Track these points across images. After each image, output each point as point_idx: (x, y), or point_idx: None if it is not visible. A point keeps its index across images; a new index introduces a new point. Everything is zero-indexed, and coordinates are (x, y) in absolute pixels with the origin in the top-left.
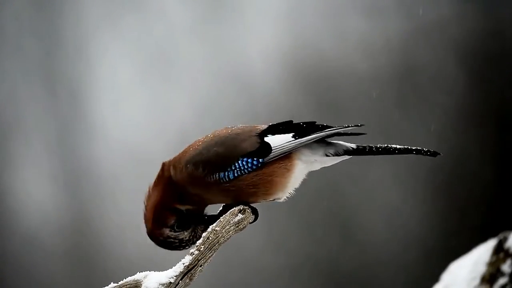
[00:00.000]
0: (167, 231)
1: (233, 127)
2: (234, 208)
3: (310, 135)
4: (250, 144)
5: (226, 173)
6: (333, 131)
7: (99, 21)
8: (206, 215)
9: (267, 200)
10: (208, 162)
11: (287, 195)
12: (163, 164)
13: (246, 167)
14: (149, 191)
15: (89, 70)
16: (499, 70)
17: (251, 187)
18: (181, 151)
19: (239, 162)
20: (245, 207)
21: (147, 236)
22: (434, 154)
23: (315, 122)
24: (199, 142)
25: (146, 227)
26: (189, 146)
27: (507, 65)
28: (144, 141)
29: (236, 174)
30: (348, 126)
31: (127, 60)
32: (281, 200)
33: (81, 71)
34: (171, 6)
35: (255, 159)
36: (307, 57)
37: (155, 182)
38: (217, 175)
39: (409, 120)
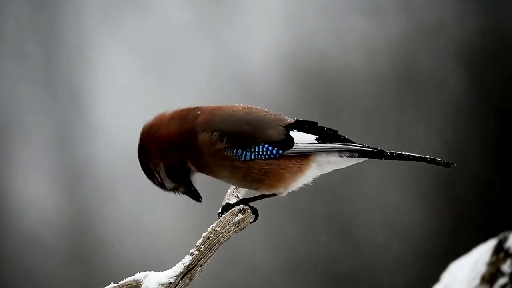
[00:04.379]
0: (161, 168)
1: (267, 111)
2: (234, 208)
3: (332, 144)
4: (277, 133)
5: (244, 152)
6: (356, 147)
7: (99, 21)
8: (193, 187)
9: (269, 191)
10: (233, 136)
11: (286, 193)
12: (197, 109)
13: (264, 153)
14: (169, 117)
15: (89, 70)
16: (499, 69)
17: (262, 173)
18: (216, 107)
19: (260, 146)
20: (245, 207)
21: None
22: (447, 164)
23: (338, 131)
24: (232, 108)
25: (147, 146)
26: (221, 106)
27: (507, 65)
28: None
29: (253, 157)
30: (368, 147)
31: (127, 60)
32: (281, 195)
33: (81, 71)
34: (171, 6)
35: (275, 148)
36: (307, 56)
37: (180, 116)
38: (234, 151)
39: (408, 120)
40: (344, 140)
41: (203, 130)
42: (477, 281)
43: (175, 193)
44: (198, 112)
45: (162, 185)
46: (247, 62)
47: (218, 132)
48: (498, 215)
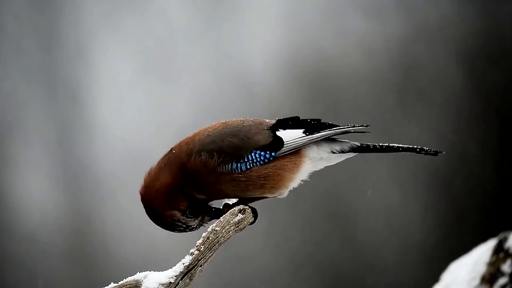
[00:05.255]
0: (178, 215)
1: (243, 119)
2: (234, 208)
3: (320, 132)
4: (264, 138)
5: (239, 164)
6: (342, 129)
7: (99, 21)
8: (213, 207)
9: (272, 194)
10: (222, 151)
11: (287, 193)
12: (173, 149)
13: (258, 159)
14: (155, 170)
15: (89, 70)
16: (499, 70)
17: (261, 179)
18: (189, 137)
19: (252, 154)
20: (245, 207)
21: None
22: (435, 153)
23: (321, 119)
24: (207, 130)
25: (153, 205)
26: (195, 134)
27: (507, 65)
28: (144, 140)
29: (248, 166)
30: (355, 126)
31: (127, 60)
32: (281, 196)
33: (81, 71)
34: (171, 6)
35: (267, 152)
36: (307, 56)
37: (164, 163)
38: (229, 166)
39: (409, 120)
40: (329, 126)
41: (190, 156)
42: (477, 281)
43: (203, 225)
44: (174, 151)
45: (188, 228)
46: (248, 62)
47: (206, 151)
48: (498, 215)
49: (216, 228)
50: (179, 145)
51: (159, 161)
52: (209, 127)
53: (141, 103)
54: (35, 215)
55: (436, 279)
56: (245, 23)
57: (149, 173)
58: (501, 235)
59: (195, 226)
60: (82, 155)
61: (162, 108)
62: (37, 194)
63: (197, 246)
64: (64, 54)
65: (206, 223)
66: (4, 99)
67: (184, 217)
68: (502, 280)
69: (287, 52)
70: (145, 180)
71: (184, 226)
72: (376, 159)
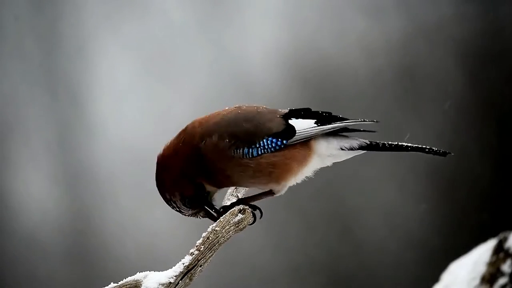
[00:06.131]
0: (178, 198)
1: (257, 105)
2: (234, 208)
3: (331, 124)
4: (276, 125)
5: (250, 149)
6: (352, 122)
7: (99, 21)
8: (214, 208)
9: (276, 185)
10: (235, 135)
11: (285, 190)
12: (187, 128)
13: (270, 146)
14: (174, 146)
15: (89, 70)
16: (499, 69)
17: (270, 166)
18: (203, 117)
19: (264, 140)
20: (245, 207)
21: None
22: (444, 153)
23: (332, 112)
24: (221, 113)
25: (163, 177)
26: (210, 116)
27: (507, 65)
28: (144, 140)
29: (259, 152)
30: (365, 120)
31: (127, 60)
32: (278, 195)
33: (81, 71)
34: (171, 6)
35: (279, 139)
36: (307, 56)
37: (181, 142)
38: (241, 150)
39: (408, 119)
40: (340, 119)
41: (202, 138)
42: (477, 281)
43: (196, 217)
44: (187, 131)
45: (180, 212)
46: (247, 62)
47: (218, 134)
48: (498, 215)
49: (216, 228)
50: (193, 125)
51: (174, 138)
52: (223, 110)
53: (141, 103)
54: (35, 214)
55: (436, 279)
56: (245, 23)
57: (168, 146)
58: (501, 235)
59: (186, 215)
60: (82, 155)
61: (162, 108)
62: (37, 193)
63: (197, 246)
64: (64, 55)
65: (199, 218)
66: (4, 100)
67: (181, 203)
68: (502, 280)
69: (286, 51)
70: (163, 150)
71: (177, 209)
72: (376, 158)
